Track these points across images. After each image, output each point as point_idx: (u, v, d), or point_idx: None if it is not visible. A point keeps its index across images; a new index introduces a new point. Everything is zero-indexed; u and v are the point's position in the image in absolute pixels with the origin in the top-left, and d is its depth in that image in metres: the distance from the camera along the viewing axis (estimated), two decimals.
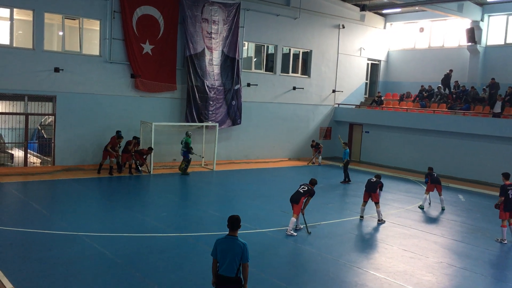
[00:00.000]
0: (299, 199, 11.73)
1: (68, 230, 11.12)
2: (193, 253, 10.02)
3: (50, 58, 18.41)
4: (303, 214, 12.01)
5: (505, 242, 12.29)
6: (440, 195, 15.87)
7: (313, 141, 25.25)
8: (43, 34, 18.30)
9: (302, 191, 11.89)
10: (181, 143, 19.63)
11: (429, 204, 16.28)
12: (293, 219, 11.75)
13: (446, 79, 25.51)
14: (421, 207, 15.90)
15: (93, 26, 20.15)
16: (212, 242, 6.40)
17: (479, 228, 13.89)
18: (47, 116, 20.28)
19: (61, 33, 19.51)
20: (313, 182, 12.35)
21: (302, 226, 12.12)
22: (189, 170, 19.69)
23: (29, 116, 18.72)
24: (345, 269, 9.80)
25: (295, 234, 11.63)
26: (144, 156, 18.89)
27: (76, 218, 12.24)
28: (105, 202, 14.90)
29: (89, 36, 20.53)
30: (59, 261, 9.17)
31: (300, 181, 19.75)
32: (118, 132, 18.56)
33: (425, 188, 16.40)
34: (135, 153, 18.70)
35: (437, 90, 25.73)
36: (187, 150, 19.36)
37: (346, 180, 20.00)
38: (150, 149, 18.90)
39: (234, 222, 6.42)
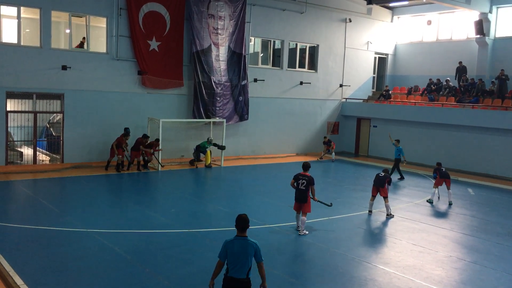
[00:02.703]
0: (306, 197, 11.23)
1: (77, 227, 11.19)
2: (202, 248, 10.05)
3: (57, 56, 18.49)
4: (316, 200, 11.53)
5: None
6: (448, 189, 15.77)
7: (325, 137, 25.17)
8: (50, 32, 18.38)
9: (303, 188, 11.23)
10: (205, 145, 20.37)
11: (438, 198, 16.19)
12: (304, 218, 11.34)
13: (461, 71, 25.18)
14: (430, 201, 15.81)
15: (100, 24, 20.21)
16: (221, 238, 6.38)
17: (489, 221, 13.80)
18: (55, 114, 20.38)
19: (68, 31, 19.57)
20: (307, 166, 11.47)
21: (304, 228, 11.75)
22: (197, 165, 20.04)
23: (38, 114, 18.83)
24: (354, 264, 9.78)
25: (307, 232, 11.37)
26: (152, 151, 18.91)
27: (86, 215, 12.32)
28: (114, 199, 14.98)
29: (96, 34, 20.58)
30: (69, 258, 9.24)
31: (313, 176, 19.78)
32: (126, 129, 18.62)
33: (434, 182, 16.32)
34: (144, 148, 18.75)
35: (445, 83, 25.54)
36: (197, 149, 20.26)
37: (401, 177, 19.80)
38: (157, 140, 18.94)
39: (242, 223, 6.17)
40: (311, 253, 10.32)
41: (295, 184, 11.38)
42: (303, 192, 11.27)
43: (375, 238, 12.15)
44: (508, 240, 11.98)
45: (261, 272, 6.22)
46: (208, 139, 20.60)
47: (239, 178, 19.07)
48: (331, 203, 11.96)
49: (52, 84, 18.44)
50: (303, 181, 11.29)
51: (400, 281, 8.96)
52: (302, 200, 11.29)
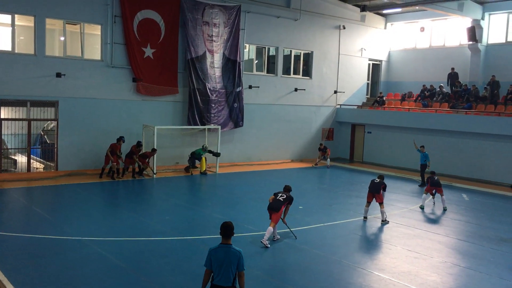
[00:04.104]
0: (279, 207, 11.05)
1: (72, 235, 11.14)
2: (197, 256, 10.02)
3: (52, 63, 18.46)
4: (284, 223, 11.53)
5: None
6: (441, 195, 15.83)
7: (321, 144, 25.23)
8: (45, 39, 18.36)
9: (281, 199, 11.17)
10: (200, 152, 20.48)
11: (434, 203, 16.28)
12: (271, 229, 10.94)
13: (453, 78, 25.41)
14: (421, 207, 15.88)
15: (94, 31, 20.21)
16: (215, 244, 6.34)
17: (483, 227, 13.85)
18: (49, 122, 20.33)
19: (62, 38, 19.57)
20: (288, 189, 11.69)
21: (279, 237, 11.46)
22: (192, 172, 20.02)
23: (32, 122, 18.77)
24: (350, 270, 9.79)
25: (269, 246, 10.84)
26: (147, 160, 18.93)
27: (80, 223, 12.26)
28: (109, 207, 14.92)
29: (90, 41, 20.59)
30: (64, 266, 9.19)
31: (306, 182, 20.04)
32: (121, 137, 18.61)
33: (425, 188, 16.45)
34: (139, 156, 18.73)
35: (439, 89, 25.72)
36: (192, 156, 20.39)
37: (423, 183, 19.70)
38: (154, 150, 18.96)
39: (227, 230, 6.16)
40: (306, 259, 10.31)
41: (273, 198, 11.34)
42: (279, 202, 11.17)
43: (370, 244, 12.16)
44: (502, 246, 12.03)
45: (240, 282, 6.17)
46: (203, 146, 20.61)
47: (234, 184, 19.06)
48: (296, 237, 11.65)
49: (46, 91, 18.40)
50: (283, 195, 11.36)
51: (396, 287, 8.97)
52: (275, 209, 11.09)
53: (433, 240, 12.21)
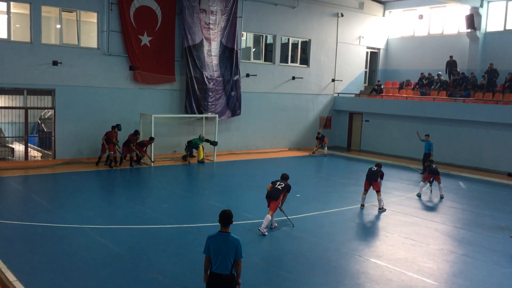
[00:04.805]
0: (278, 196, 11.12)
1: (70, 223, 11.17)
2: (195, 243, 10.07)
3: (48, 51, 18.35)
4: (282, 211, 11.58)
5: None
6: (439, 183, 15.90)
7: (318, 133, 25.21)
8: (41, 27, 18.23)
9: (280, 188, 11.21)
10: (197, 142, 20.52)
11: (431, 191, 16.35)
12: (269, 217, 11.01)
13: (451, 66, 25.36)
14: (418, 195, 15.94)
15: (91, 19, 20.06)
16: (214, 232, 6.36)
17: (480, 214, 13.93)
18: (46, 110, 20.26)
19: (58, 26, 19.43)
20: (285, 177, 11.68)
21: (276, 225, 11.52)
22: (190, 161, 20.10)
23: (29, 110, 18.70)
24: (347, 258, 9.85)
25: (266, 234, 10.92)
26: (145, 148, 18.91)
27: (78, 211, 12.29)
28: (107, 195, 14.94)
29: (86, 29, 20.45)
30: (62, 254, 9.22)
31: (304, 170, 20.09)
32: (117, 125, 18.59)
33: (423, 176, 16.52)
34: (136, 145, 18.71)
35: (437, 77, 25.68)
36: (188, 145, 20.45)
37: (424, 171, 19.52)
38: (151, 139, 18.94)
39: (225, 218, 6.19)
40: (304, 247, 10.37)
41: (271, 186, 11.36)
42: (277, 191, 11.21)
43: (367, 231, 12.23)
44: (499, 233, 12.10)
45: (237, 269, 6.20)
46: (200, 136, 20.61)
47: (231, 173, 19.09)
48: (293, 225, 11.67)
49: (43, 79, 18.31)
50: (281, 183, 11.38)
51: (392, 274, 9.03)
52: (274, 198, 11.12)
53: (430, 228, 12.28)
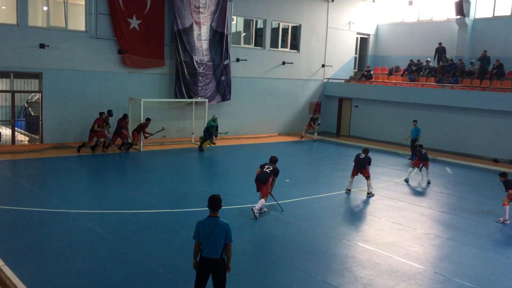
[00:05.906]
0: (267, 179, 11.16)
1: (59, 207, 11.13)
2: (184, 228, 10.09)
3: (35, 34, 18.06)
4: (272, 196, 11.62)
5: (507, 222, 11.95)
6: (427, 168, 16.06)
7: (315, 112, 25.33)
8: (27, 9, 17.90)
9: (268, 171, 11.25)
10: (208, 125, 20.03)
11: (422, 177, 16.44)
12: (263, 200, 11.16)
13: (440, 52, 25.43)
14: (406, 180, 16.09)
15: (78, 1, 19.73)
16: (203, 217, 6.39)
17: (466, 199, 14.14)
18: (33, 93, 20.01)
19: (45, 8, 19.10)
20: (274, 159, 11.66)
21: (265, 210, 11.52)
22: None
23: (15, 94, 18.46)
24: (335, 242, 9.96)
25: (257, 217, 11.00)
26: (144, 133, 18.77)
27: (67, 195, 12.24)
28: (95, 179, 14.89)
29: (74, 11, 20.13)
30: (51, 239, 9.20)
31: (293, 156, 20.14)
32: (109, 111, 18.39)
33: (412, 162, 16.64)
34: (134, 131, 18.58)
35: (425, 64, 25.77)
36: (207, 131, 19.90)
37: (412, 156, 19.58)
38: (148, 119, 18.76)
39: (214, 202, 6.22)
40: (293, 231, 10.46)
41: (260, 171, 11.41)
42: (266, 174, 11.26)
43: (355, 216, 12.36)
44: (484, 218, 12.31)
45: (227, 254, 6.25)
46: (213, 117, 20.27)
47: (222, 158, 19.09)
48: (283, 210, 11.73)
49: (30, 62, 18.05)
50: (270, 166, 11.41)
51: (380, 257, 9.17)
52: (262, 181, 11.19)
53: (417, 213, 12.44)
